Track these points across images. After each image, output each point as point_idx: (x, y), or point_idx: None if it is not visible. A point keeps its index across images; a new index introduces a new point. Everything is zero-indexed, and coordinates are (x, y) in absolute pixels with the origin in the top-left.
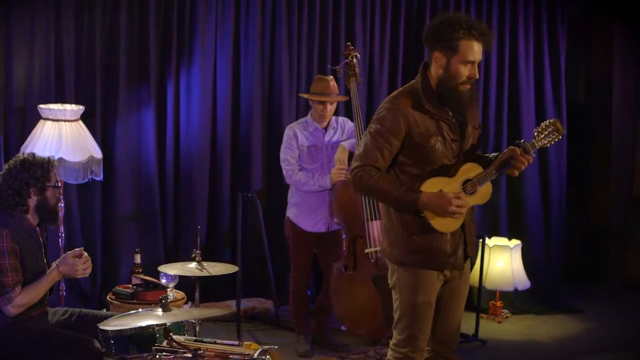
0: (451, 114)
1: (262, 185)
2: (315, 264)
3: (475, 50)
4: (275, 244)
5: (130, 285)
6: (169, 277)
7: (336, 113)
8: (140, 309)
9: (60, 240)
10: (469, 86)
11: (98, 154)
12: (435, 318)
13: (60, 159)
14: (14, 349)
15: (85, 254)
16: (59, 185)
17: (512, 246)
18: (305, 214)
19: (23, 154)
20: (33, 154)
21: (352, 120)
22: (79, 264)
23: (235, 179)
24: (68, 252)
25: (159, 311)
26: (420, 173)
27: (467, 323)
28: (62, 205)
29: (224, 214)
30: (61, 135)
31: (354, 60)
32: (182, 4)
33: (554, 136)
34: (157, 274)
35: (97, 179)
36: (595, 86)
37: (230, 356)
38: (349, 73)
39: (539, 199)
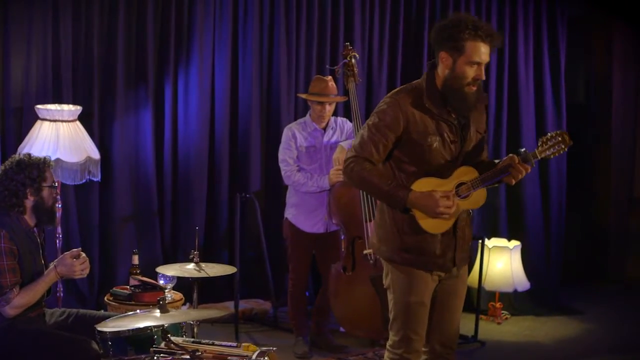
0: (454, 115)
1: (260, 186)
2: (314, 265)
3: (482, 51)
4: (274, 245)
5: (128, 287)
6: (167, 278)
7: (335, 113)
8: (138, 310)
9: (57, 241)
10: (475, 88)
11: (96, 154)
12: (432, 319)
13: (58, 160)
14: (11, 350)
15: (83, 254)
16: (56, 185)
17: (511, 247)
18: (303, 214)
19: (19, 154)
20: (29, 155)
21: (350, 121)
22: (77, 264)
23: (233, 180)
24: (66, 253)
25: (157, 312)
26: (416, 171)
27: (466, 324)
28: (60, 206)
29: (222, 214)
30: (59, 136)
31: (353, 60)
32: (180, 3)
33: (560, 148)
34: (155, 275)
35: (95, 179)
36: (595, 86)
37: (229, 358)
38: (347, 73)
39: (539, 200)
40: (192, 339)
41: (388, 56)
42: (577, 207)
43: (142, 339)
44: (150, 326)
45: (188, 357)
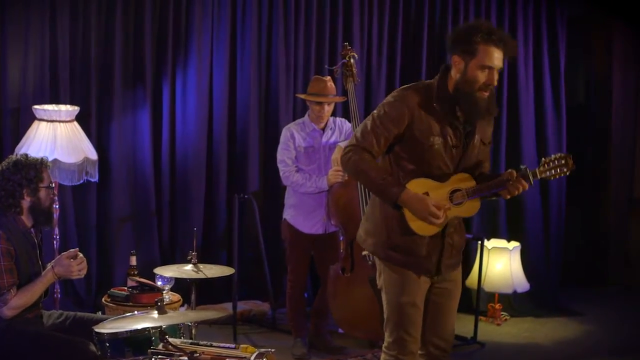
0: (461, 120)
1: (258, 186)
2: (312, 266)
3: (495, 56)
4: (272, 246)
5: (126, 288)
6: (165, 280)
7: (334, 114)
8: (135, 312)
9: (55, 242)
10: (487, 94)
11: (93, 155)
12: (426, 321)
13: (55, 160)
14: (8, 352)
15: (81, 254)
16: (53, 186)
17: (511, 248)
18: (302, 215)
19: (16, 155)
20: (26, 155)
21: (349, 121)
22: (74, 265)
23: (231, 181)
24: (63, 253)
25: (155, 314)
26: (414, 169)
27: (465, 326)
28: (57, 206)
29: (220, 215)
30: (56, 136)
31: (352, 60)
32: (178, 3)
33: (561, 170)
34: (152, 276)
35: (92, 180)
36: (595, 86)
37: (227, 359)
38: (346, 73)
39: (538, 201)
40: (190, 341)
41: (387, 56)
42: (577, 207)
43: (139, 341)
44: (148, 328)
45: (186, 358)
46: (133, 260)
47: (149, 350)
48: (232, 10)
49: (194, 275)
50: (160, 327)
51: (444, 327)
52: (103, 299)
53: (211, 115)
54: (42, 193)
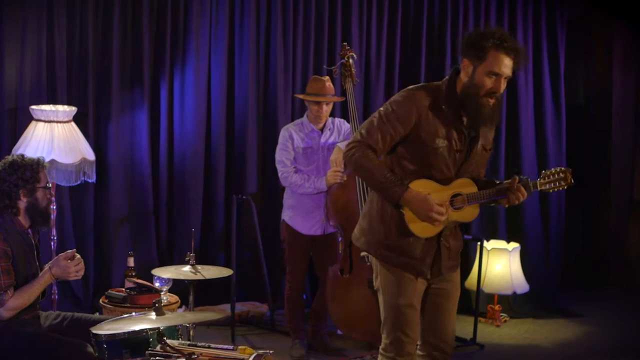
0: (466, 125)
1: (257, 187)
2: (311, 267)
3: (504, 63)
4: (271, 247)
5: (124, 289)
6: (163, 281)
7: (332, 114)
8: (133, 313)
9: (52, 243)
10: (492, 101)
11: (91, 155)
12: (426, 323)
13: (53, 161)
14: (5, 353)
15: (78, 255)
16: (50, 186)
17: (510, 249)
18: (301, 216)
19: (12, 155)
20: (22, 156)
21: (348, 122)
22: (72, 265)
23: (229, 181)
24: (60, 254)
25: (153, 315)
26: (416, 171)
27: (465, 327)
28: (55, 207)
29: (218, 216)
30: (53, 137)
31: (350, 60)
32: (176, 3)
33: (559, 184)
34: (150, 277)
35: (90, 181)
36: (595, 87)
37: None
38: (345, 74)
39: (538, 202)
40: (188, 342)
41: (386, 56)
42: (577, 208)
43: (137, 342)
44: (145, 329)
45: None
46: (131, 262)
47: (146, 352)
48: (230, 10)
49: (192, 277)
50: (158, 328)
51: (444, 329)
52: (100, 300)
53: (209, 116)
54: (39, 194)
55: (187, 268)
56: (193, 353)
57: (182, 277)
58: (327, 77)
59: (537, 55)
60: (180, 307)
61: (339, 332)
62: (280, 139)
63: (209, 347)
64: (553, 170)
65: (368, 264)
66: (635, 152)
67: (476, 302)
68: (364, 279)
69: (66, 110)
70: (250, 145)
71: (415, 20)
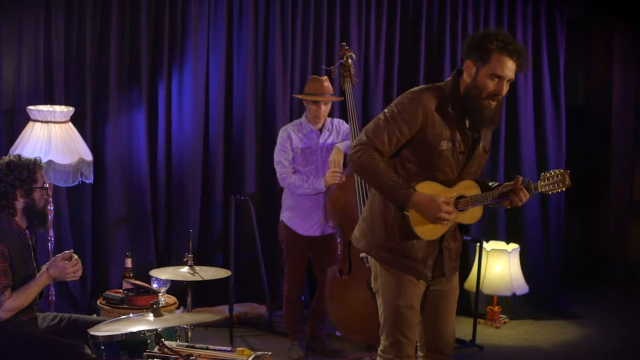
0: (468, 126)
1: (255, 188)
2: (310, 269)
3: (507, 66)
4: (269, 248)
5: (121, 290)
6: (161, 282)
7: (331, 114)
8: (131, 314)
9: (49, 244)
10: (494, 103)
11: (88, 156)
12: (425, 325)
13: (50, 162)
14: (3, 355)
15: (75, 256)
16: (47, 186)
17: (510, 250)
18: (299, 217)
19: (9, 155)
20: (19, 156)
21: (347, 122)
22: (69, 266)
23: (227, 182)
24: (57, 255)
25: (151, 316)
26: (419, 173)
27: (464, 328)
28: (52, 208)
29: (216, 217)
30: (51, 137)
31: (349, 60)
32: (173, 3)
33: (558, 187)
34: (148, 279)
35: (88, 181)
36: (595, 87)
37: None
38: (343, 74)
39: (537, 202)
40: (186, 344)
41: (385, 56)
42: (577, 209)
43: (135, 344)
44: (143, 330)
45: None
46: (128, 263)
47: (144, 354)
48: (228, 10)
49: (190, 278)
50: (156, 329)
51: (444, 331)
52: (98, 302)
53: (207, 116)
54: (36, 194)
55: (185, 269)
56: (191, 354)
57: (180, 278)
58: (326, 77)
59: (537, 55)
60: (178, 308)
61: (337, 333)
62: (279, 140)
63: (207, 348)
64: (552, 172)
65: (367, 265)
66: (635, 152)
67: (475, 304)
68: (362, 280)
69: (63, 110)
70: (249, 145)
71: (415, 20)
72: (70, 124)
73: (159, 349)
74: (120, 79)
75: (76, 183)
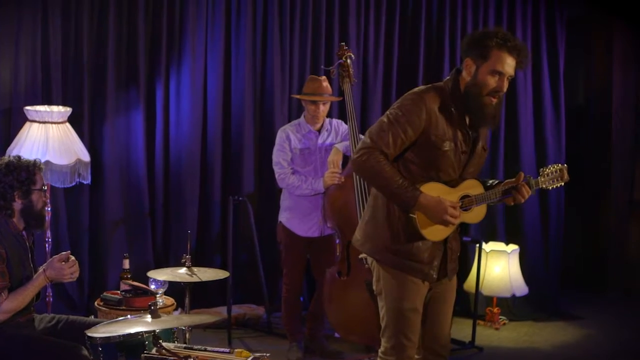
0: (468, 124)
1: (253, 188)
2: (308, 270)
3: (507, 62)
4: (267, 249)
5: (119, 291)
6: (158, 283)
7: (329, 115)
8: (128, 316)
9: (47, 245)
10: (495, 100)
11: (86, 156)
12: (424, 326)
13: (47, 162)
14: (0, 356)
15: (73, 257)
16: (45, 188)
17: (509, 251)
18: (298, 218)
19: (8, 156)
20: (18, 157)
21: (346, 122)
22: (66, 268)
23: (226, 183)
24: (54, 256)
25: (148, 318)
26: (422, 174)
27: (463, 330)
28: (49, 209)
29: (214, 218)
30: (48, 138)
31: (348, 60)
32: (171, 3)
33: (557, 182)
34: (146, 280)
35: (85, 182)
36: (595, 87)
37: None
38: (342, 74)
39: (537, 203)
40: (184, 345)
41: (384, 57)
42: (577, 210)
43: (133, 345)
44: (141, 332)
45: None
46: (126, 264)
47: (142, 355)
48: (226, 10)
49: (188, 279)
50: (154, 331)
51: (441, 332)
52: (96, 303)
53: (205, 116)
54: (35, 196)
55: (183, 270)
56: (189, 356)
57: (178, 280)
58: (324, 77)
59: (537, 55)
60: (176, 309)
61: (336, 334)
62: (278, 140)
63: (205, 350)
64: (551, 167)
65: (366, 266)
66: (635, 152)
67: (475, 305)
68: (361, 281)
69: (61, 111)
70: (247, 146)
71: (414, 20)
72: (67, 124)
73: (156, 351)
74: (117, 79)
75: (73, 184)
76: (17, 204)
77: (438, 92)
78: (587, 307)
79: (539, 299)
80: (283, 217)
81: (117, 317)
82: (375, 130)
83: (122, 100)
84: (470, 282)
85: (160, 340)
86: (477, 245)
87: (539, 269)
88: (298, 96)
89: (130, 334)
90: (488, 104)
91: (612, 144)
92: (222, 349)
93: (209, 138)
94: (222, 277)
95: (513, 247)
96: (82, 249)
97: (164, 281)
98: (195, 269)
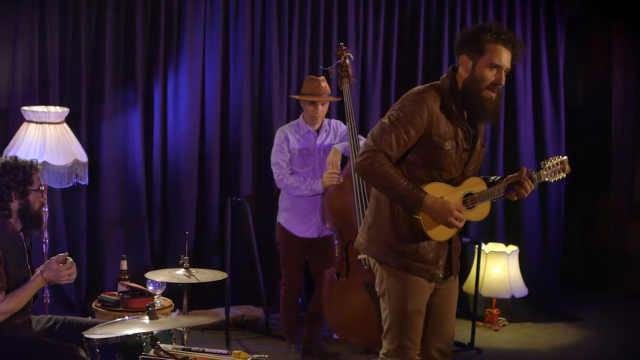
0: (467, 122)
1: (252, 189)
2: (307, 271)
3: (503, 55)
4: (266, 250)
5: (116, 293)
6: (156, 284)
7: (328, 115)
8: (126, 317)
9: (44, 246)
10: (494, 95)
11: (83, 157)
12: (428, 326)
13: (45, 163)
14: None
15: (70, 259)
16: (42, 189)
17: (509, 252)
18: (296, 219)
19: (5, 157)
20: (15, 157)
21: (344, 123)
22: (64, 269)
23: (224, 183)
24: (52, 258)
25: (146, 319)
26: (425, 174)
27: (462, 331)
28: (46, 210)
29: (212, 219)
30: (45, 138)
31: (347, 61)
32: (169, 2)
33: (558, 174)
34: (144, 281)
35: (82, 183)
36: (595, 87)
37: None
38: (341, 74)
39: (537, 204)
40: (182, 346)
41: (382, 57)
42: (576, 210)
43: (130, 346)
44: (139, 333)
45: None
46: (124, 265)
47: (140, 356)
48: (224, 10)
49: (186, 280)
50: (152, 332)
51: (445, 331)
52: (93, 304)
53: (203, 117)
54: (32, 196)
55: (181, 271)
56: (187, 357)
57: (176, 281)
58: (323, 77)
59: (536, 55)
60: (174, 311)
61: (335, 336)
62: (276, 141)
63: (203, 351)
64: (552, 160)
65: (365, 267)
66: (635, 152)
67: (474, 306)
68: (360, 282)
69: (58, 111)
70: (245, 146)
71: (413, 19)
72: (65, 124)
73: (154, 352)
74: (115, 80)
75: (71, 184)
76: (14, 205)
77: (438, 91)
78: (587, 309)
79: (538, 300)
80: (281, 218)
81: (114, 318)
82: (377, 132)
83: (119, 100)
84: (469, 283)
85: (158, 342)
86: (477, 246)
87: (538, 270)
88: (297, 96)
89: (127, 336)
90: (488, 99)
91: (611, 144)
92: (220, 351)
93: (207, 139)
94: (220, 279)
95: (513, 248)
96: (80, 250)
97: (162, 282)
98: (193, 270)
